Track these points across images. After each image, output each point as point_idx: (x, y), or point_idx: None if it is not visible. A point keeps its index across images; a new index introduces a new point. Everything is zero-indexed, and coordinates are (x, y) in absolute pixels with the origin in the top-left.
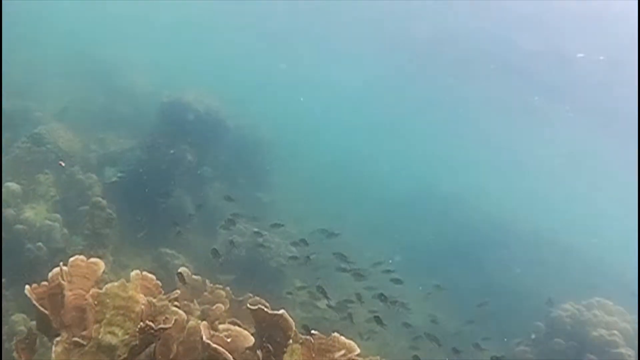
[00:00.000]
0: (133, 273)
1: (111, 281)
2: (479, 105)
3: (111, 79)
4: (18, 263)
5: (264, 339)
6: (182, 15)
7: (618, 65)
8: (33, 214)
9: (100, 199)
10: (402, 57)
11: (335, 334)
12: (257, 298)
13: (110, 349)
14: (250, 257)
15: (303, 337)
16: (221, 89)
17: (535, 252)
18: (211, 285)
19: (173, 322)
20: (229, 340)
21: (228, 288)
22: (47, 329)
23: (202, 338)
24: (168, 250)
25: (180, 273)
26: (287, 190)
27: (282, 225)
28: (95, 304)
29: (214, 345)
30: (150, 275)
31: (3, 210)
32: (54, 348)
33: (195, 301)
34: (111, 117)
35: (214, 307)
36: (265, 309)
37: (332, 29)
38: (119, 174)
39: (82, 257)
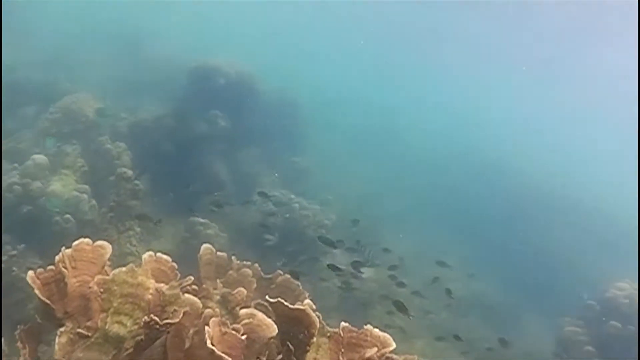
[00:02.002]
0: (146, 255)
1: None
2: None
3: (141, 47)
4: (46, 236)
5: (285, 336)
6: None
7: None
8: (60, 186)
9: (125, 169)
10: None
11: (368, 326)
12: (287, 277)
13: (118, 340)
14: (286, 225)
15: (331, 330)
16: (253, 54)
17: (586, 222)
18: (237, 262)
19: (181, 315)
20: (244, 337)
21: (257, 265)
22: (51, 318)
23: (206, 343)
24: (201, 220)
25: None
26: (324, 154)
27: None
28: (102, 292)
29: (219, 353)
30: (165, 257)
31: (30, 183)
32: (57, 339)
33: (218, 281)
34: (141, 85)
35: (234, 291)
36: (285, 303)
37: None
38: None
39: (87, 240)
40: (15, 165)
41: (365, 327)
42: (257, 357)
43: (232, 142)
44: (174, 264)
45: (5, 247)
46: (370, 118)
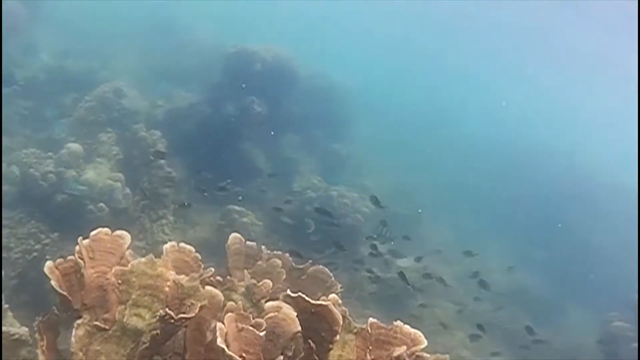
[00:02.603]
0: (167, 245)
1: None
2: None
3: (177, 35)
4: (80, 225)
5: (307, 333)
6: None
7: None
8: (95, 174)
9: None
10: None
11: (399, 322)
12: (319, 267)
13: (136, 333)
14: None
15: (358, 326)
16: (293, 40)
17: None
18: (267, 252)
19: (197, 309)
20: (262, 334)
21: (287, 254)
22: (68, 309)
23: (217, 341)
24: (237, 207)
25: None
26: (365, 142)
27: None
28: (119, 283)
29: (229, 353)
30: (188, 247)
31: (64, 171)
32: (74, 331)
33: (245, 272)
34: (177, 72)
35: (260, 283)
36: (307, 298)
37: None
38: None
39: (106, 229)
40: (50, 153)
41: (395, 323)
42: (282, 352)
43: (270, 129)
44: (198, 255)
45: (39, 236)
46: (413, 106)
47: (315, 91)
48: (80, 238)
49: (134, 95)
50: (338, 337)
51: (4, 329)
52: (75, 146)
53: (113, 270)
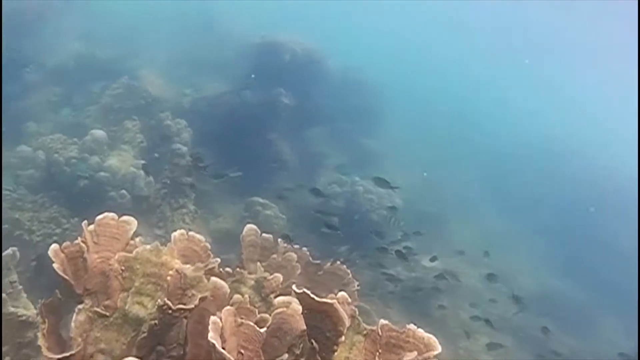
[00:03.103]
0: (176, 233)
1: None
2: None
3: (209, 24)
4: (100, 211)
5: (311, 332)
6: None
7: None
8: (118, 161)
9: (180, 145)
10: None
11: (411, 325)
12: (337, 263)
13: (138, 322)
14: (349, 208)
15: (368, 327)
16: (325, 33)
17: None
18: (284, 245)
19: (197, 301)
20: (262, 330)
21: (305, 249)
22: (71, 294)
23: (209, 336)
24: (260, 200)
25: None
26: (396, 137)
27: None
28: (123, 270)
29: (219, 350)
30: (198, 235)
31: (88, 157)
32: (75, 317)
33: (258, 265)
34: (205, 63)
35: (270, 277)
36: (312, 295)
37: None
38: None
39: (112, 214)
40: (75, 139)
41: (407, 326)
42: (289, 350)
43: (297, 121)
44: (207, 244)
45: (60, 220)
46: (446, 103)
47: (346, 85)
48: (85, 222)
49: (161, 83)
50: (343, 337)
51: (12, 309)
52: (99, 132)
53: (117, 257)
